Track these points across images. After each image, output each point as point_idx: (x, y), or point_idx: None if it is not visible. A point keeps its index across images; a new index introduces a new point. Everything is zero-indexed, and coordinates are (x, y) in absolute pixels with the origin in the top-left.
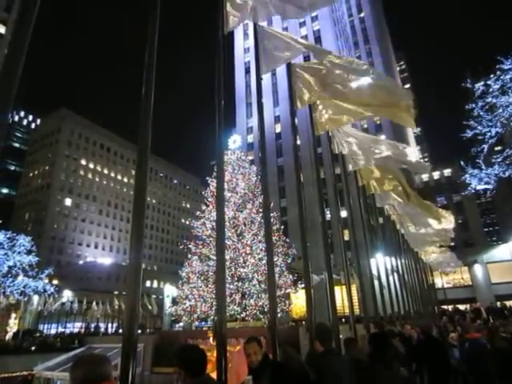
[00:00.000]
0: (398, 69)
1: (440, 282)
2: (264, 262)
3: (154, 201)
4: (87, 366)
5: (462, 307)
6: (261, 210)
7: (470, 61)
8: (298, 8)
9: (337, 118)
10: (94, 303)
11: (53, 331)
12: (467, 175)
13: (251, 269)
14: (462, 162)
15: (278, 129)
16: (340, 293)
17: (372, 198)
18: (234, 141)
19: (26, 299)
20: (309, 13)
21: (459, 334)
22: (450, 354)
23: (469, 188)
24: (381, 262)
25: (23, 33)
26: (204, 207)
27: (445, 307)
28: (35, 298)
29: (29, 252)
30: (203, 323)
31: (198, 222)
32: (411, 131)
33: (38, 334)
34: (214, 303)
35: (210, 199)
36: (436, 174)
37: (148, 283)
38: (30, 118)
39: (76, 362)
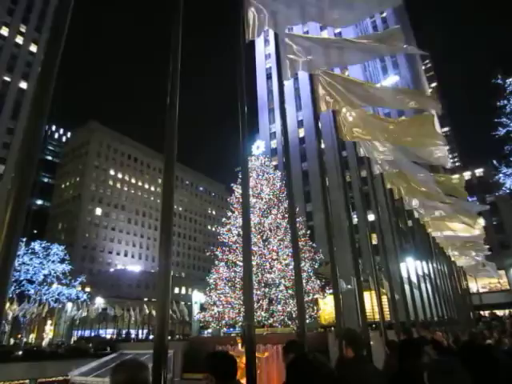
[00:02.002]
0: (424, 68)
1: (475, 286)
2: (291, 267)
3: (180, 208)
4: (128, 371)
5: (499, 313)
6: (286, 215)
7: (500, 56)
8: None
9: (360, 129)
10: (130, 310)
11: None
12: (501, 175)
13: (278, 274)
14: (494, 161)
15: (302, 133)
16: (369, 298)
17: (400, 200)
18: (258, 147)
19: (60, 306)
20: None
21: (496, 340)
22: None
23: (503, 188)
24: (411, 267)
25: (55, 52)
26: (229, 213)
27: (481, 313)
28: (69, 306)
29: (62, 261)
30: (231, 329)
31: (224, 229)
32: (439, 131)
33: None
34: (242, 309)
35: (235, 205)
36: (467, 175)
37: (176, 290)
38: (61, 131)
39: (117, 366)
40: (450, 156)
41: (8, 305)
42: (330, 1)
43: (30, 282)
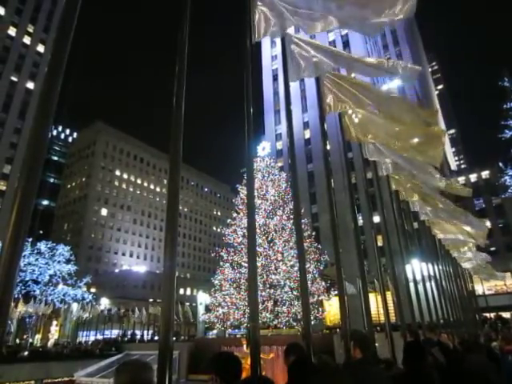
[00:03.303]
0: (430, 70)
1: (481, 288)
2: (296, 268)
3: (185, 209)
4: (132, 372)
5: (505, 315)
6: (291, 217)
7: (507, 59)
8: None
9: (366, 131)
10: (135, 311)
11: (92, 338)
12: (507, 177)
13: (283, 276)
14: (500, 164)
15: (307, 135)
16: (375, 300)
17: (406, 202)
18: (263, 148)
19: (65, 307)
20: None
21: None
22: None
23: (509, 190)
24: (417, 268)
25: (61, 52)
26: (235, 215)
27: (486, 315)
28: (74, 306)
29: (68, 261)
30: (236, 330)
31: (229, 230)
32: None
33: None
34: (247, 310)
35: (240, 206)
36: (473, 177)
37: (181, 291)
38: (67, 132)
39: (121, 366)
40: (456, 158)
41: (13, 305)
42: (338, 5)
43: (36, 282)
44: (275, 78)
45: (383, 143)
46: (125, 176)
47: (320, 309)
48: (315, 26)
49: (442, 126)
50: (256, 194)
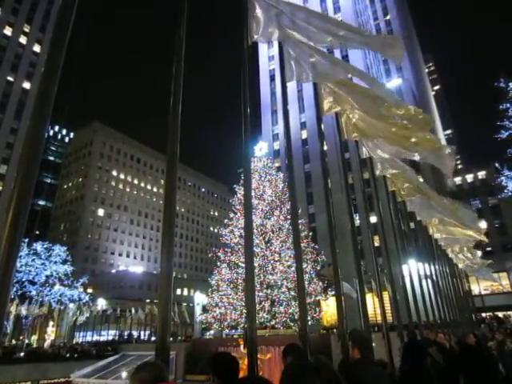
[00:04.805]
0: (427, 70)
1: (477, 288)
2: (293, 268)
3: (182, 210)
4: (154, 370)
5: (500, 315)
6: (289, 217)
7: (503, 60)
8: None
9: (363, 130)
10: (132, 312)
11: (88, 339)
12: (503, 177)
13: (280, 276)
14: (496, 164)
15: (305, 135)
16: (372, 300)
17: (403, 203)
18: (261, 148)
19: (62, 307)
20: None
21: (498, 342)
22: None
23: (505, 191)
24: (413, 269)
25: (58, 51)
26: (232, 215)
27: (483, 315)
28: (71, 307)
29: (64, 261)
30: (233, 331)
31: (226, 230)
32: (441, 133)
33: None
34: (244, 311)
35: (237, 207)
36: (470, 177)
37: (178, 291)
38: (64, 132)
39: (143, 365)
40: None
41: (9, 306)
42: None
43: (32, 283)
44: (272, 79)
45: (380, 142)
46: (121, 176)
47: (317, 309)
48: (311, 37)
49: (439, 126)
50: (253, 194)
